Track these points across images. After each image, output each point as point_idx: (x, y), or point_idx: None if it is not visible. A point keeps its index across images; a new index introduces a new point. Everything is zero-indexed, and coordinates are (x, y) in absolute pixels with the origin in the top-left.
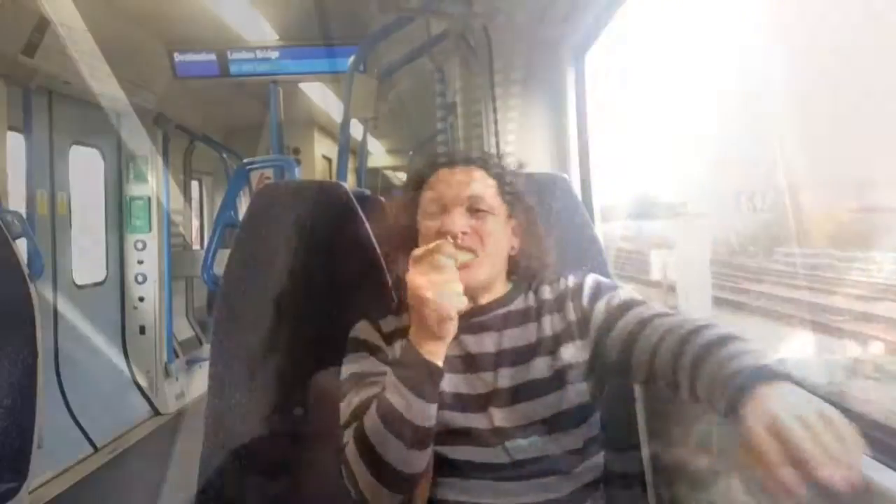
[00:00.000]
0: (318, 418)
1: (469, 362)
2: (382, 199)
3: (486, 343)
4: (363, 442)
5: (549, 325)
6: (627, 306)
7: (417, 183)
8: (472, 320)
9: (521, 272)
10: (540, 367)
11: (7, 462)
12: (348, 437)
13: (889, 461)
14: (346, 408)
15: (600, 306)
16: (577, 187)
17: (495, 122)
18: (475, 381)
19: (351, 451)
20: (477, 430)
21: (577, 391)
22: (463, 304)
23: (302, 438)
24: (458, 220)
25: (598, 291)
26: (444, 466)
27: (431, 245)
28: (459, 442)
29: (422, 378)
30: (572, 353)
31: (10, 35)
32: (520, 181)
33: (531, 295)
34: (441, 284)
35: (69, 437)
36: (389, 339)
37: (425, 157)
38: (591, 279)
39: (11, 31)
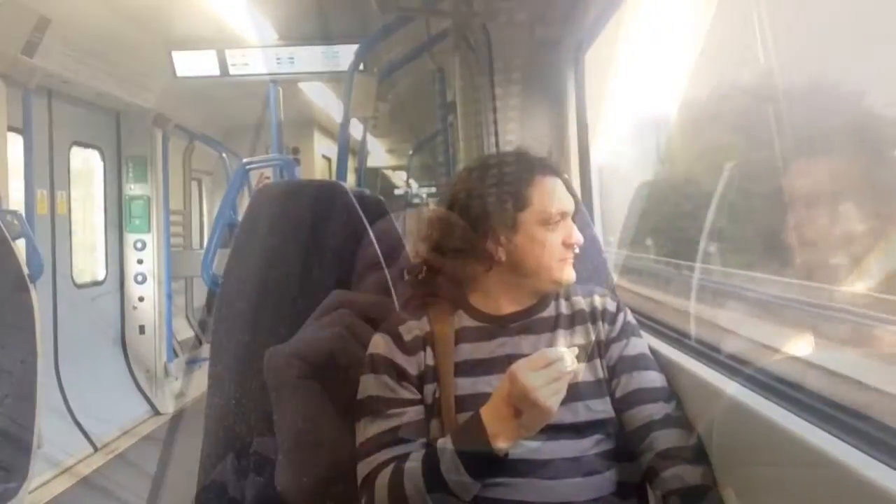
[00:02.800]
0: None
1: (506, 364)
2: (382, 198)
3: (523, 346)
4: (398, 497)
5: (582, 335)
6: (641, 384)
7: (520, 184)
8: (511, 324)
9: None
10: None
11: (7, 462)
12: (370, 467)
13: (889, 461)
14: (362, 431)
15: (620, 351)
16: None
17: (495, 122)
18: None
19: (383, 501)
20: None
21: (598, 403)
22: (558, 403)
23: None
24: (577, 232)
25: (626, 330)
26: None
27: (556, 356)
28: None
29: (485, 468)
30: (597, 369)
31: (10, 35)
32: None
33: (563, 302)
34: (554, 385)
35: (69, 437)
36: (412, 348)
37: (507, 157)
38: (623, 316)
39: (11, 30)
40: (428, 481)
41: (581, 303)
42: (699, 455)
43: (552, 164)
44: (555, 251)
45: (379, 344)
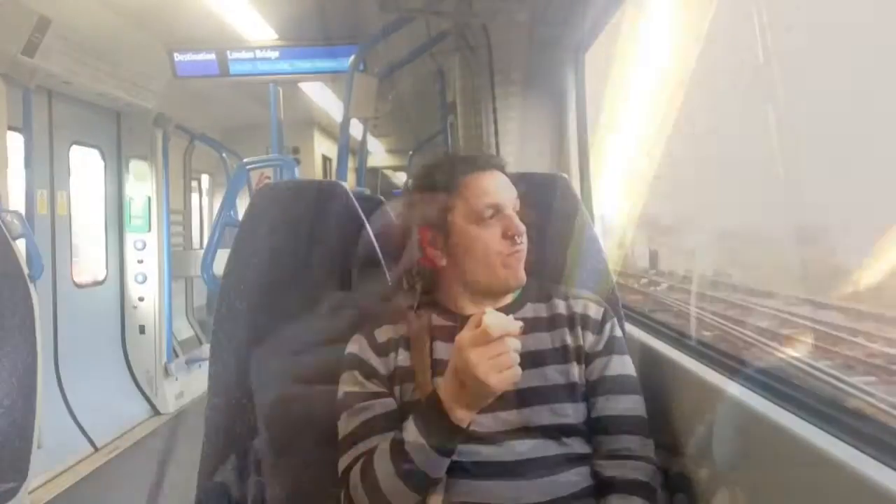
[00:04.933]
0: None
1: None
2: (382, 198)
3: None
4: (372, 485)
5: (561, 338)
6: (617, 411)
7: (448, 185)
8: None
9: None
10: (548, 376)
11: (7, 462)
12: (347, 461)
13: (889, 461)
14: (342, 427)
15: (601, 370)
16: (577, 187)
17: (495, 122)
18: None
19: (356, 488)
20: (485, 430)
21: (568, 408)
22: (517, 378)
23: (301, 437)
24: (519, 222)
25: (611, 345)
26: (454, 468)
27: (480, 319)
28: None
29: (447, 438)
30: (577, 373)
31: (10, 35)
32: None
33: (541, 305)
34: (497, 361)
35: (69, 437)
36: (384, 349)
37: (441, 160)
38: (609, 328)
39: (11, 30)
40: (396, 461)
41: (560, 306)
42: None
43: (487, 158)
44: (492, 245)
45: (354, 344)
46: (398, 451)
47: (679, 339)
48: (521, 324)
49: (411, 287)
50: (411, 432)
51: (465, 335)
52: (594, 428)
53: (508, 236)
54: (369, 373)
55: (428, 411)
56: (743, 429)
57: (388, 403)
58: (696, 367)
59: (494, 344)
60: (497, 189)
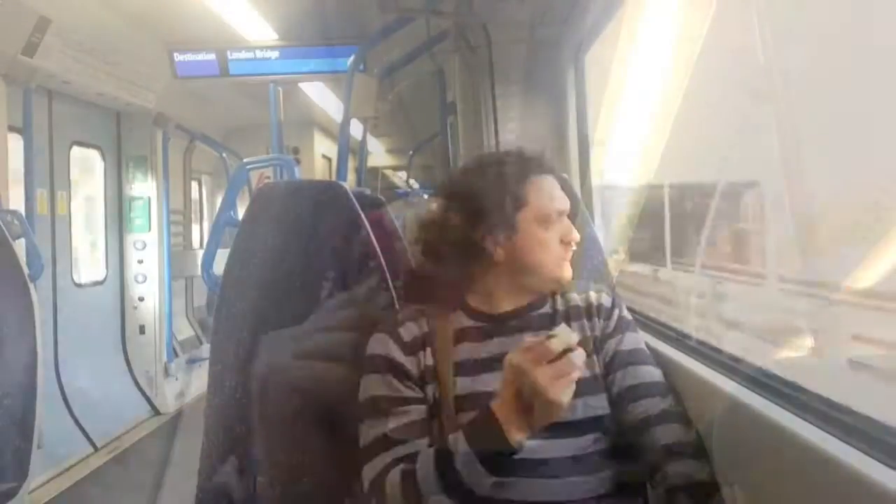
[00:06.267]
0: (318, 417)
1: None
2: (382, 198)
3: (520, 344)
4: (413, 494)
5: (578, 331)
6: (637, 379)
7: (518, 184)
8: (509, 322)
9: None
10: None
11: (7, 462)
12: (378, 467)
13: (889, 461)
14: (366, 433)
15: (615, 346)
16: (577, 187)
17: (495, 122)
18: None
19: (395, 499)
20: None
21: (595, 399)
22: (570, 397)
23: (302, 437)
24: (574, 229)
25: (620, 325)
26: None
27: (558, 341)
28: None
29: (501, 460)
30: (593, 364)
31: (10, 35)
32: None
33: (558, 299)
34: (565, 379)
35: (69, 437)
36: (411, 348)
37: (500, 156)
38: (618, 311)
39: (11, 31)
40: (444, 481)
41: (576, 299)
42: (701, 451)
43: (548, 162)
44: (553, 250)
45: (379, 344)
46: (447, 464)
47: (679, 339)
48: (577, 336)
49: (427, 284)
50: (462, 448)
51: (526, 355)
52: (618, 402)
53: (566, 242)
54: (400, 374)
55: (484, 430)
56: (743, 429)
57: (423, 411)
58: (697, 367)
59: (562, 362)
60: (560, 195)
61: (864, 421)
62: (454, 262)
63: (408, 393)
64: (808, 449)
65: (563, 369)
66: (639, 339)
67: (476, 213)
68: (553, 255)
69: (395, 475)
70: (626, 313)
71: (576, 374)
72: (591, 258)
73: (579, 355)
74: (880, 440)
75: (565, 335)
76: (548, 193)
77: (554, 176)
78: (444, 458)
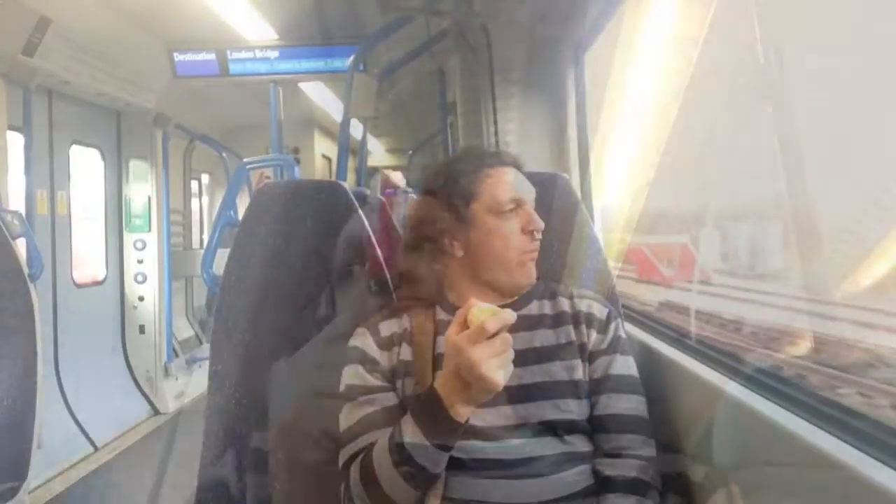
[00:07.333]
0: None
1: None
2: (382, 198)
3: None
4: (372, 481)
5: (566, 335)
6: (619, 409)
7: (472, 176)
8: None
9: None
10: (552, 372)
11: (7, 462)
12: (347, 455)
13: (889, 461)
14: (343, 420)
15: (605, 368)
16: (577, 187)
17: (495, 122)
18: None
19: (356, 484)
20: (487, 427)
21: (571, 403)
22: (510, 373)
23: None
24: (538, 217)
25: (615, 344)
26: (454, 465)
27: (466, 313)
28: (469, 438)
29: (446, 434)
30: (581, 370)
31: (10, 35)
32: None
33: (546, 302)
34: (498, 358)
35: (69, 437)
36: (387, 343)
37: (463, 152)
38: (614, 328)
39: (11, 30)
40: (394, 456)
41: (565, 304)
42: (649, 490)
43: (508, 156)
44: (513, 239)
45: (358, 337)
46: (397, 446)
47: (679, 339)
48: (514, 315)
49: (416, 281)
50: (409, 428)
51: (462, 334)
52: (596, 426)
53: (528, 231)
54: (372, 367)
55: (426, 407)
56: (743, 429)
57: (390, 398)
58: (696, 367)
59: (496, 340)
60: (517, 184)
61: (865, 421)
62: (424, 260)
63: (375, 382)
64: (807, 448)
65: (497, 348)
66: (630, 363)
67: (435, 209)
68: (513, 246)
69: (356, 463)
70: (621, 332)
71: (510, 354)
72: (591, 258)
73: (509, 336)
74: (880, 440)
75: (503, 316)
76: (502, 182)
77: (514, 167)
78: (395, 440)
